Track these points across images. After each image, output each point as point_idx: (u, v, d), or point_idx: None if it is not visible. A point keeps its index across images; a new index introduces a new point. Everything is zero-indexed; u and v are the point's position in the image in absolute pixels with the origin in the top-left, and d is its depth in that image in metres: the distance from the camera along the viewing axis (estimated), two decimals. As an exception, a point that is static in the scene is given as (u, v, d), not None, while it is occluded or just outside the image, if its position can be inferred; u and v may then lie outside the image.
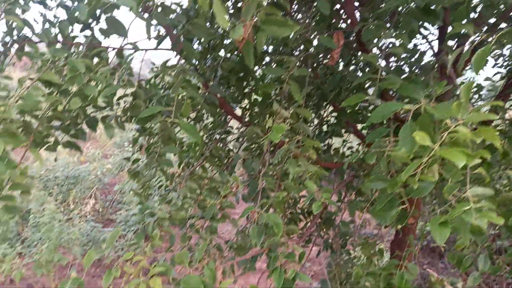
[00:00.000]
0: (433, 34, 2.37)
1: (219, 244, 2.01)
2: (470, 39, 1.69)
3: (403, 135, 1.03)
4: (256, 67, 2.46)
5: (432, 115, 1.11)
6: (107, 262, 5.81)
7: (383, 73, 1.38)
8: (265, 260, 1.74)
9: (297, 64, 1.38)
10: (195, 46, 2.10)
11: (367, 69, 1.91)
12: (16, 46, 1.49)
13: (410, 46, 2.23)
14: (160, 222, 1.64)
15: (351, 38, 1.87)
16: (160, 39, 1.73)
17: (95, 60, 1.60)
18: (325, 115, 2.46)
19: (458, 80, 2.98)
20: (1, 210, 1.44)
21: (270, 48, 2.40)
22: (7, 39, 1.47)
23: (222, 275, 1.63)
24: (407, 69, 1.94)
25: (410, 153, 1.00)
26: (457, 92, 2.39)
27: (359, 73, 1.98)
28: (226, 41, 2.05)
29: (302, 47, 2.11)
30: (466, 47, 1.53)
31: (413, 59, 1.93)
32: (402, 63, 1.94)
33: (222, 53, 2.17)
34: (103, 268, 5.82)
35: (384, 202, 1.26)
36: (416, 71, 1.89)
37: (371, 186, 1.33)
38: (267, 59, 2.33)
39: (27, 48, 1.50)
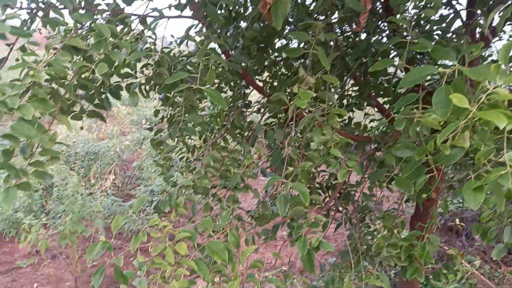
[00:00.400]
0: (460, 4, 2.28)
1: (240, 215, 2.03)
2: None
3: (436, 99, 1.00)
4: (277, 40, 2.42)
5: (465, 80, 1.08)
6: (127, 236, 5.99)
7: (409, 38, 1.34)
8: (285, 230, 1.76)
9: (323, 27, 1.34)
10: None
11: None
12: (41, 13, 1.50)
13: (437, 16, 2.16)
14: (184, 189, 1.66)
15: (377, 5, 1.81)
16: (182, 6, 1.71)
17: (119, 28, 1.60)
18: (346, 88, 2.42)
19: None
20: (33, 175, 1.48)
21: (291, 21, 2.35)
22: (33, 5, 1.48)
23: (244, 243, 1.66)
24: (436, 38, 1.87)
25: (444, 117, 0.97)
26: (486, 63, 2.30)
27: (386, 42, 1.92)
28: (248, 10, 2.01)
29: (324, 17, 2.05)
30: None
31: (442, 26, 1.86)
32: (431, 29, 1.88)
33: (243, 25, 2.14)
34: (123, 241, 6.01)
35: (411, 170, 1.24)
36: (447, 36, 1.83)
37: (397, 155, 1.31)
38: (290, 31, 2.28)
39: (52, 15, 1.50)
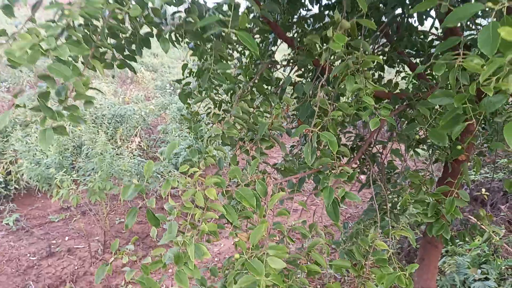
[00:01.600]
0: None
1: (265, 170, 2.05)
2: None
3: (483, 35, 0.95)
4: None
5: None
6: (153, 195, 6.19)
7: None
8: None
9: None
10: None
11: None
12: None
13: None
14: (213, 139, 1.68)
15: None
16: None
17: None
18: (378, 43, 2.34)
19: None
20: (68, 118, 1.52)
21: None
22: None
23: (271, 193, 1.68)
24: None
25: (491, 54, 0.93)
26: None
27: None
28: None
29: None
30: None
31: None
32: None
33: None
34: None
35: (449, 117, 1.21)
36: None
37: (435, 103, 1.27)
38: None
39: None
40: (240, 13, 1.43)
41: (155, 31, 1.86)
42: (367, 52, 1.46)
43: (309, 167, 1.76)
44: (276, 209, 1.71)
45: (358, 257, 1.61)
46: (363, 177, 2.84)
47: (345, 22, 1.31)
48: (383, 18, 2.16)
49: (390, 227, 1.70)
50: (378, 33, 2.29)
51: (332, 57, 1.53)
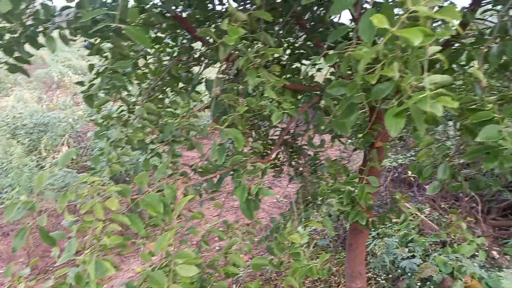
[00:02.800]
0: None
1: (185, 171, 1.96)
2: None
3: (363, 24, 0.95)
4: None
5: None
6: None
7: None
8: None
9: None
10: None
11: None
12: None
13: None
14: (116, 144, 1.56)
15: None
16: None
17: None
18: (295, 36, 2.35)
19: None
20: None
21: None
22: None
23: (183, 195, 1.60)
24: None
25: (370, 41, 0.93)
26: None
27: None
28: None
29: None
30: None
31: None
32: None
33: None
34: (77, 215, 5.81)
35: (344, 106, 1.21)
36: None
37: (332, 93, 1.27)
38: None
39: None
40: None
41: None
42: (268, 45, 1.43)
43: (224, 166, 1.71)
44: (192, 212, 1.63)
45: (277, 252, 1.59)
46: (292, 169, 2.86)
47: (241, 14, 1.27)
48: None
49: (306, 219, 1.70)
50: (294, 25, 2.30)
51: (235, 52, 1.48)
